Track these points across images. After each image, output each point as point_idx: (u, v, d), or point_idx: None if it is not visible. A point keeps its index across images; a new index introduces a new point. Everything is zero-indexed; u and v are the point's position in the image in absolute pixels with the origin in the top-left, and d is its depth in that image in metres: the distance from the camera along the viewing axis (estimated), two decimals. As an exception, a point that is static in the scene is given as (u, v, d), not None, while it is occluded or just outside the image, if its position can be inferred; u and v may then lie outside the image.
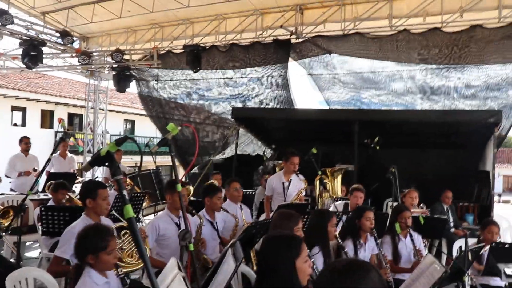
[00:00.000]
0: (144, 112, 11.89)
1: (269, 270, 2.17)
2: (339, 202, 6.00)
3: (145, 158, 2.28)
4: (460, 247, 4.62)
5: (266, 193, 5.95)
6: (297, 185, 5.81)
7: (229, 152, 10.81)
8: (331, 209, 5.70)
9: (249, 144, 11.19)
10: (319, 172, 5.60)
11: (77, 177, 8.37)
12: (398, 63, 8.93)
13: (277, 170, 8.29)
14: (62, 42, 10.34)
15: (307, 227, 3.53)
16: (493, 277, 4.35)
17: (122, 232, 3.56)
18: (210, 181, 6.43)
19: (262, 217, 5.96)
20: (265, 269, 2.21)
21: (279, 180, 5.81)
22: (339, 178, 8.16)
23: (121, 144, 1.84)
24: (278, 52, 9.19)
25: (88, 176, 13.26)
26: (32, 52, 9.31)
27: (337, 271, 1.46)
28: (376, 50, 8.41)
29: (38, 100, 19.72)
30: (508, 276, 4.08)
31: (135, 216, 1.84)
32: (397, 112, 9.23)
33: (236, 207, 4.95)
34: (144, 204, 6.62)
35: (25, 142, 8.08)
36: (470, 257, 3.79)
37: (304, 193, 5.93)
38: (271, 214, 5.26)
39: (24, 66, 9.76)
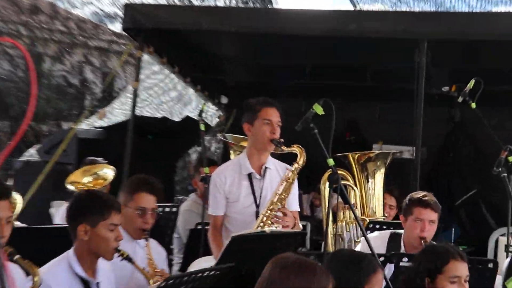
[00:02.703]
0: None
1: None
2: (376, 233, 5.33)
3: None
4: None
5: (211, 210, 5.15)
6: (276, 178, 5.10)
7: (118, 111, 9.81)
8: (359, 247, 5.22)
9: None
10: (329, 162, 4.42)
11: None
12: None
13: (231, 154, 7.18)
14: None
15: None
16: None
17: None
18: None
19: (199, 264, 5.13)
20: None
21: (239, 173, 5.08)
22: (380, 175, 6.64)
23: None
24: None
25: None
26: None
27: None
28: None
29: None
30: None
31: None
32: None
33: (135, 244, 4.45)
34: None
35: None
36: None
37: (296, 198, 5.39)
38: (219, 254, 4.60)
39: None
